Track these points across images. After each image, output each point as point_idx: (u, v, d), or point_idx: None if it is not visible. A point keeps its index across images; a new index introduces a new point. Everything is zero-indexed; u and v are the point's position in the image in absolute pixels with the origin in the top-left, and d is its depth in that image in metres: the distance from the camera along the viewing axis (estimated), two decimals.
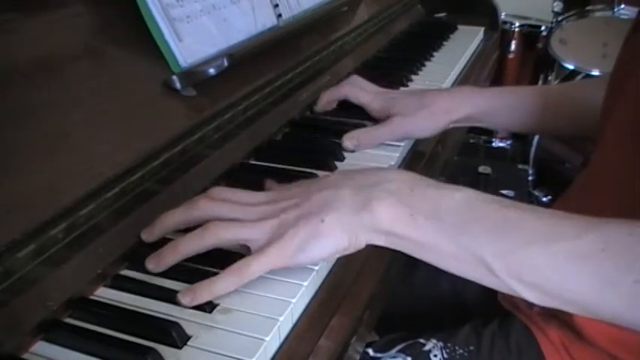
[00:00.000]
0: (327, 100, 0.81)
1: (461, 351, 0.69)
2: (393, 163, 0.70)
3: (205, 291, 0.46)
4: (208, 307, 0.46)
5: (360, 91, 0.80)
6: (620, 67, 0.63)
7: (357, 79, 0.82)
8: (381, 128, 0.73)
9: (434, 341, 0.70)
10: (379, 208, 0.47)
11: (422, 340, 0.71)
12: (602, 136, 0.64)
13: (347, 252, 0.49)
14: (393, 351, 0.70)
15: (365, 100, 0.79)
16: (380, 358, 0.70)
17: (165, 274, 0.49)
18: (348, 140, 0.72)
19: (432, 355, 0.69)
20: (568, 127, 0.81)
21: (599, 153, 0.64)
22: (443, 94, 0.79)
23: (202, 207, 0.50)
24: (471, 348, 0.69)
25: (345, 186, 0.49)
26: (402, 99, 0.77)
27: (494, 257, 0.44)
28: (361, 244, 0.49)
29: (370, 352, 0.71)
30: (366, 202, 0.47)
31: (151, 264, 0.49)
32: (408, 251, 0.49)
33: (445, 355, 0.69)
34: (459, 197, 0.47)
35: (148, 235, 0.51)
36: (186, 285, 0.47)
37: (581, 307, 0.44)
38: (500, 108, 0.79)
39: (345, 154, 0.71)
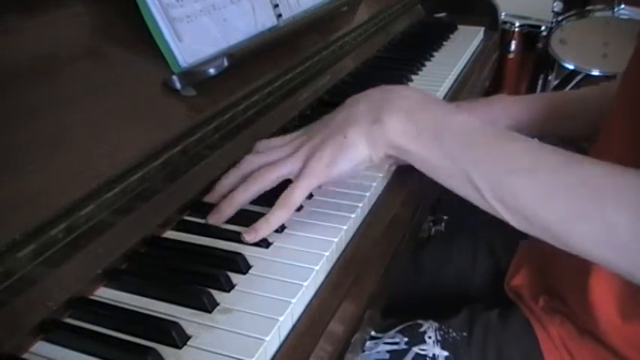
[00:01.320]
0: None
1: (454, 334, 0.69)
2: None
3: (264, 226, 0.52)
4: (208, 302, 0.46)
5: None
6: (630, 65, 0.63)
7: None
8: None
9: (430, 323, 0.71)
10: (390, 122, 0.53)
11: (420, 322, 0.71)
12: (600, 140, 0.64)
13: (372, 163, 0.56)
14: (392, 331, 0.71)
15: None
16: (380, 337, 0.71)
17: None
18: None
19: (426, 337, 0.69)
20: (586, 132, 0.79)
21: (601, 146, 0.64)
22: (479, 106, 0.77)
23: (250, 161, 0.58)
24: (464, 334, 0.69)
25: (362, 101, 0.55)
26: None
27: (481, 179, 0.49)
28: (380, 153, 0.55)
29: (372, 332, 0.71)
30: (379, 116, 0.53)
31: (212, 218, 0.55)
32: (412, 162, 0.54)
33: (439, 337, 0.69)
34: (461, 122, 0.53)
35: (211, 197, 0.58)
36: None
37: (554, 235, 0.48)
38: (539, 116, 0.77)
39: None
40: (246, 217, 0.55)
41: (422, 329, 0.70)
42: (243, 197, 0.55)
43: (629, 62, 0.63)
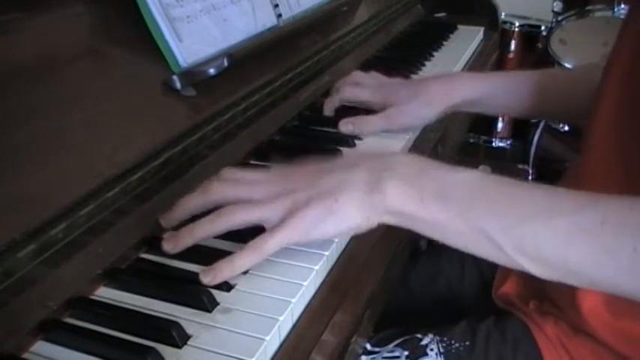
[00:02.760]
0: (332, 107, 0.82)
1: (457, 345, 0.69)
2: None
3: (226, 268, 0.48)
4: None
5: (360, 90, 0.81)
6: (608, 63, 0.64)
7: (355, 76, 0.84)
8: (378, 117, 0.77)
9: (430, 336, 0.71)
10: (390, 190, 0.50)
11: (419, 335, 0.71)
12: (590, 126, 0.64)
13: (359, 231, 0.51)
14: (391, 346, 0.71)
15: (364, 99, 0.81)
16: (378, 352, 0.70)
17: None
18: (344, 125, 0.76)
19: (428, 350, 0.69)
20: (564, 110, 0.82)
21: (589, 141, 0.65)
22: (438, 80, 0.81)
23: (215, 190, 0.52)
24: (467, 343, 0.69)
25: (358, 168, 0.52)
26: (398, 90, 0.80)
27: (497, 232, 0.47)
28: (373, 223, 0.51)
29: (368, 346, 0.71)
30: (378, 184, 0.50)
31: (168, 245, 0.51)
32: (417, 230, 0.51)
33: (441, 349, 0.69)
34: (465, 177, 0.50)
35: (167, 221, 0.53)
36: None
37: (582, 278, 0.46)
38: (497, 90, 0.79)
39: (345, 151, 0.71)
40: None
41: (422, 343, 0.70)
42: (207, 231, 0.50)
43: (608, 60, 0.63)
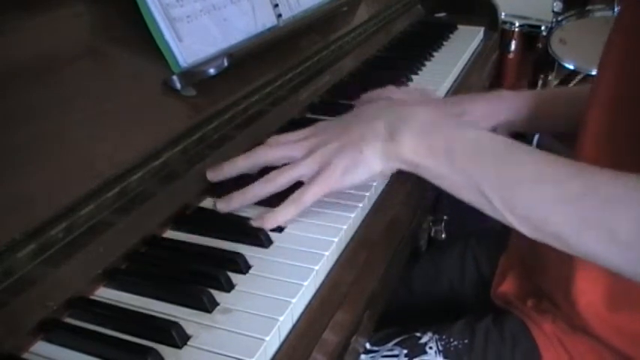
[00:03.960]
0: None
1: (455, 343, 0.70)
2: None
3: (271, 218, 0.55)
4: (208, 302, 0.46)
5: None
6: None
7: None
8: None
9: (429, 334, 0.71)
10: (404, 140, 0.56)
11: (418, 334, 0.71)
12: (583, 127, 0.64)
13: (382, 175, 0.60)
14: (390, 344, 0.71)
15: None
16: (377, 351, 0.71)
17: None
18: None
19: (427, 348, 0.70)
20: None
21: (582, 143, 0.65)
22: (479, 100, 0.78)
23: (260, 153, 0.60)
24: (466, 341, 0.70)
25: (378, 120, 0.58)
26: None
27: (492, 190, 0.52)
28: (392, 169, 0.58)
29: (367, 345, 0.71)
30: (394, 134, 0.56)
31: (221, 204, 0.58)
32: (427, 177, 0.56)
33: (440, 347, 0.69)
34: (471, 137, 0.55)
35: (214, 176, 0.60)
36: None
37: (564, 242, 0.49)
38: (539, 110, 0.77)
39: None
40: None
41: (421, 341, 0.71)
42: (257, 193, 0.57)
43: (601, 56, 0.63)
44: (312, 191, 0.56)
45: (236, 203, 0.58)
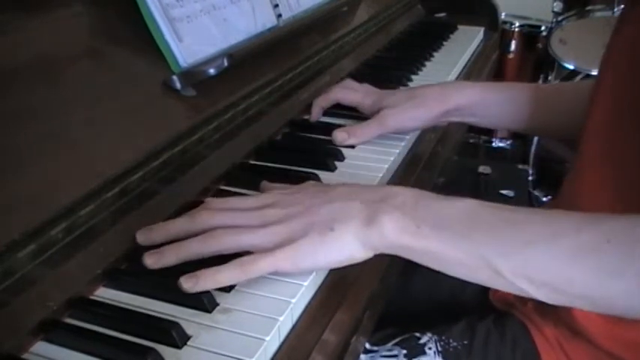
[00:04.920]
0: (320, 107, 0.81)
1: (455, 344, 0.70)
2: (392, 159, 0.70)
3: (209, 279, 0.46)
4: (208, 302, 0.46)
5: (351, 92, 0.81)
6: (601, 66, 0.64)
7: (347, 82, 0.84)
8: (370, 122, 0.75)
9: (429, 335, 0.71)
10: (386, 222, 0.48)
11: (417, 334, 0.71)
12: (585, 132, 0.64)
13: (353, 262, 0.50)
14: (389, 344, 0.71)
15: (356, 100, 0.80)
16: (376, 350, 0.71)
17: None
18: (339, 133, 0.74)
19: (426, 348, 0.69)
20: (558, 126, 0.80)
21: (585, 147, 0.65)
22: (434, 86, 0.80)
23: (204, 218, 0.51)
24: (465, 342, 0.70)
25: (353, 200, 0.50)
26: (392, 94, 0.79)
27: (499, 259, 0.46)
28: (368, 255, 0.50)
29: (367, 345, 0.71)
30: (374, 216, 0.49)
31: (150, 259, 0.49)
32: (416, 260, 0.50)
33: (439, 348, 0.69)
34: (461, 206, 0.49)
35: (145, 239, 0.51)
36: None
37: (591, 301, 0.45)
38: (491, 101, 0.78)
39: (345, 154, 0.71)
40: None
41: (421, 341, 0.70)
42: (194, 252, 0.49)
43: (600, 65, 0.63)
44: (266, 264, 0.47)
45: (168, 259, 0.49)
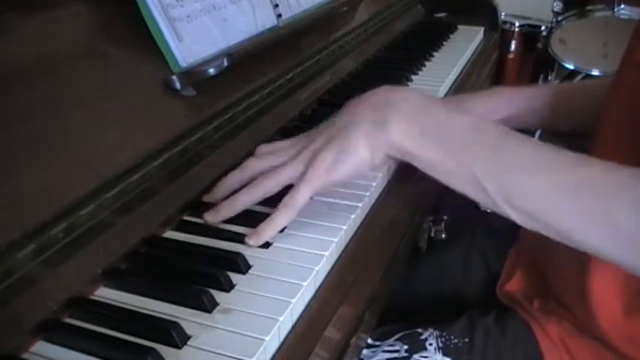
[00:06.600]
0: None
1: (455, 340, 0.70)
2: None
3: (268, 228, 0.52)
4: (208, 302, 0.46)
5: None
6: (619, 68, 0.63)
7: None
8: None
9: (430, 330, 0.71)
10: (392, 125, 0.53)
11: (419, 330, 0.71)
12: (598, 134, 0.64)
13: (372, 165, 0.55)
14: (391, 340, 0.71)
15: None
16: (378, 345, 0.71)
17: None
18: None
19: (427, 344, 0.69)
20: (578, 120, 0.79)
21: (596, 150, 0.64)
22: (480, 97, 0.78)
23: (250, 165, 0.58)
24: (466, 340, 0.70)
25: (364, 106, 0.56)
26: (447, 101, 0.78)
27: (487, 178, 0.50)
28: (381, 155, 0.55)
29: (369, 340, 0.71)
30: (382, 120, 0.54)
31: (209, 216, 0.55)
32: (415, 164, 0.54)
33: (440, 344, 0.69)
34: (465, 121, 0.53)
35: (210, 198, 0.58)
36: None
37: (559, 233, 0.48)
38: (539, 106, 0.77)
39: None
40: (247, 217, 0.56)
41: (422, 337, 0.70)
42: (244, 201, 0.55)
43: (620, 63, 0.63)
44: (301, 191, 0.53)
45: (224, 213, 0.55)
